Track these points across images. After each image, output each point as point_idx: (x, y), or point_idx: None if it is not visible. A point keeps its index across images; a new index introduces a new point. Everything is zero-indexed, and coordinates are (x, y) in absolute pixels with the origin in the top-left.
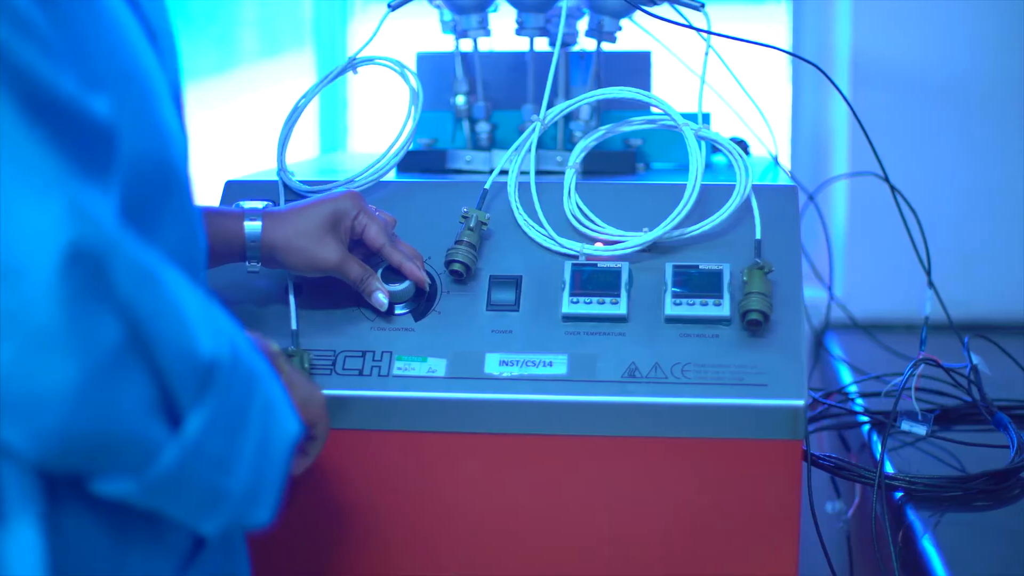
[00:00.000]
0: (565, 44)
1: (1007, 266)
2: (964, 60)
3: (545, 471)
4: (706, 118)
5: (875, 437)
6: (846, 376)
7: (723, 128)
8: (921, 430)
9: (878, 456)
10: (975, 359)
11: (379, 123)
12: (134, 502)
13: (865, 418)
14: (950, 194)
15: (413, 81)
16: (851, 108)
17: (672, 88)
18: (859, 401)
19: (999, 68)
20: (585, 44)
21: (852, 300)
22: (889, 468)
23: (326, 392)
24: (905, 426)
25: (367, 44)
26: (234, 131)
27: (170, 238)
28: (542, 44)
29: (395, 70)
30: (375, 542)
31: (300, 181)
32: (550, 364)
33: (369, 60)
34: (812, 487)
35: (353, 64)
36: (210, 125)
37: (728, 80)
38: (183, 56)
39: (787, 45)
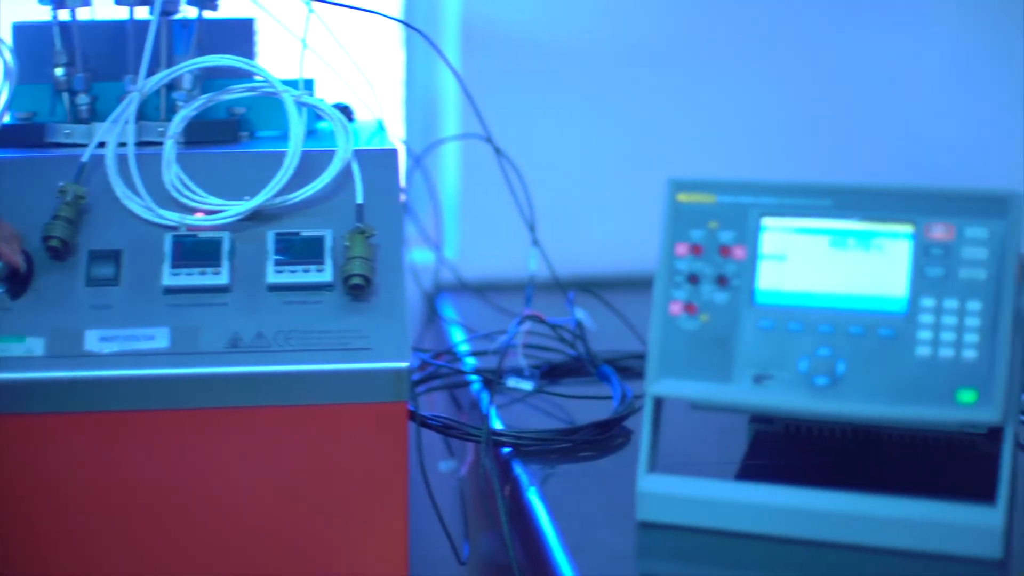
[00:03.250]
0: (166, 12)
1: (610, 224)
2: (572, 24)
3: (152, 447)
4: (308, 84)
5: (485, 395)
6: (459, 337)
7: (334, 95)
8: (528, 386)
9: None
10: (580, 314)
11: None
12: None
13: (474, 377)
14: (556, 156)
15: (6, 53)
16: (455, 73)
17: (282, 56)
18: (470, 360)
19: (607, 33)
20: (187, 12)
21: (466, 262)
22: (499, 424)
23: None
24: (511, 383)
25: None
26: None
27: None
28: (143, 13)
29: None
30: None
31: None
32: (152, 338)
33: None
34: (427, 447)
35: None
36: None
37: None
38: None
39: (398, 10)
